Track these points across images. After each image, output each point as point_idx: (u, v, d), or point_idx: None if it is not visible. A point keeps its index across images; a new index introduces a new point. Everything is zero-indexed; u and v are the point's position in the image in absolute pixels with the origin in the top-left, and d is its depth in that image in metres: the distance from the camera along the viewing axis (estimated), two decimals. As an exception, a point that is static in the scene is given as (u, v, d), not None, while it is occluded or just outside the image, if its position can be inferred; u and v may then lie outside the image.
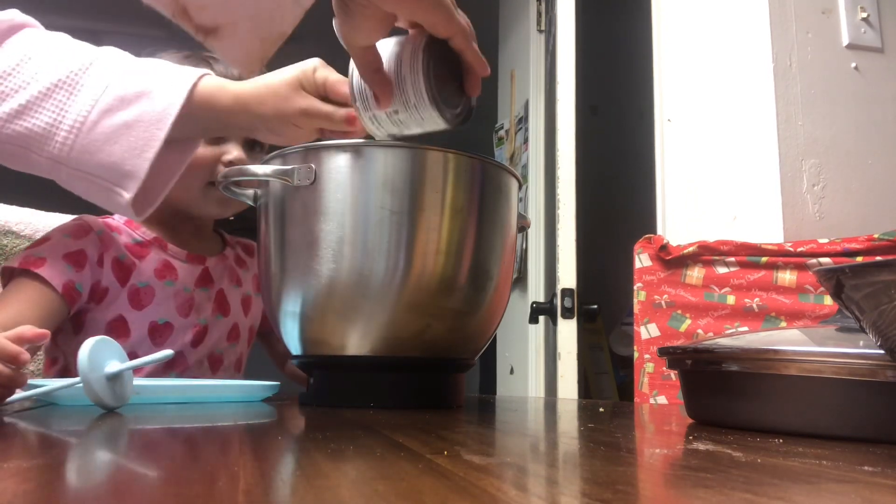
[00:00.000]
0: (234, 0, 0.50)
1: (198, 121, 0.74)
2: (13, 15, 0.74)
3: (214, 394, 0.68)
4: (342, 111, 0.72)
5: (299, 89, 0.72)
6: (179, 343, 0.89)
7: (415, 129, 0.61)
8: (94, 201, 0.78)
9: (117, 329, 0.86)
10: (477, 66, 0.61)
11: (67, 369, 0.88)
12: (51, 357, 0.91)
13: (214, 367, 0.95)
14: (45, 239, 0.84)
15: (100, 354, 0.52)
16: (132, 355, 0.82)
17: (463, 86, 0.62)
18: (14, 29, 0.73)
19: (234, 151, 0.88)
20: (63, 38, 0.76)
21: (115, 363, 0.53)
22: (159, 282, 0.89)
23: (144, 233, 0.91)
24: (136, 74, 0.73)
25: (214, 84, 0.74)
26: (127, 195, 0.71)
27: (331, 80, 0.73)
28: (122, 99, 0.70)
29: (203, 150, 0.86)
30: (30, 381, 0.57)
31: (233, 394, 0.69)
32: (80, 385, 0.51)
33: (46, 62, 0.71)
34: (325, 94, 0.73)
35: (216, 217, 0.96)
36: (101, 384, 0.52)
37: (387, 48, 0.59)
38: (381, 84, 0.58)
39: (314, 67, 0.73)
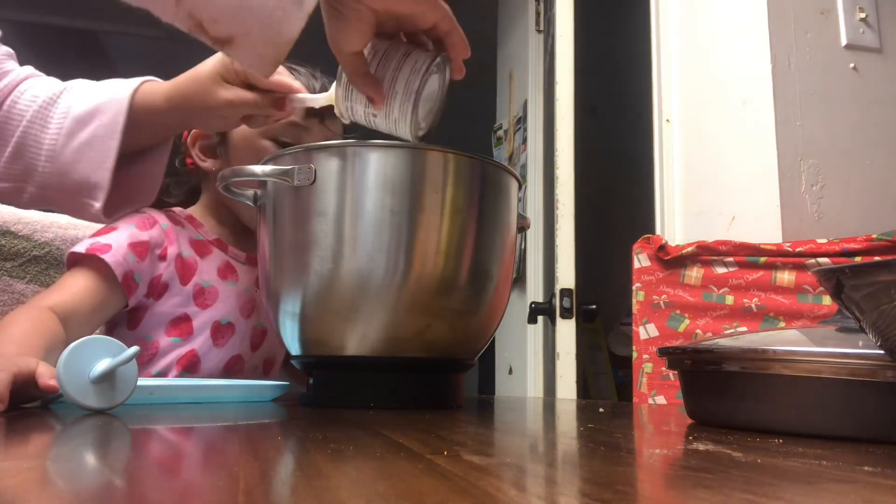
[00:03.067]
0: (243, 11, 0.52)
1: (145, 127, 0.79)
2: (18, 72, 0.83)
3: (226, 394, 0.68)
4: (267, 97, 0.74)
5: (221, 81, 0.75)
6: (240, 345, 0.89)
7: (381, 130, 0.64)
8: (70, 214, 0.87)
9: (181, 326, 0.85)
10: (461, 47, 0.63)
11: None
12: None
13: (267, 368, 0.95)
14: (112, 228, 0.83)
15: (84, 356, 0.51)
16: (193, 355, 0.85)
17: (428, 106, 0.65)
18: (14, 84, 0.81)
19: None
20: (45, 80, 0.84)
21: (103, 362, 0.51)
22: (222, 282, 0.89)
23: (206, 232, 0.91)
24: (91, 94, 0.80)
25: (149, 88, 0.79)
26: (97, 205, 0.79)
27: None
28: (79, 120, 0.78)
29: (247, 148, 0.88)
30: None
31: (244, 394, 0.69)
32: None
33: (26, 104, 0.80)
34: (248, 81, 0.75)
35: None
36: (83, 388, 0.51)
37: (379, 53, 0.61)
38: (374, 89, 0.61)
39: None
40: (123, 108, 0.77)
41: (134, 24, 2.81)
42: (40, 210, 0.94)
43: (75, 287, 0.78)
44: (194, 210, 0.94)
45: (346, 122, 0.66)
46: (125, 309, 0.83)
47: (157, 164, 0.85)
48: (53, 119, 0.79)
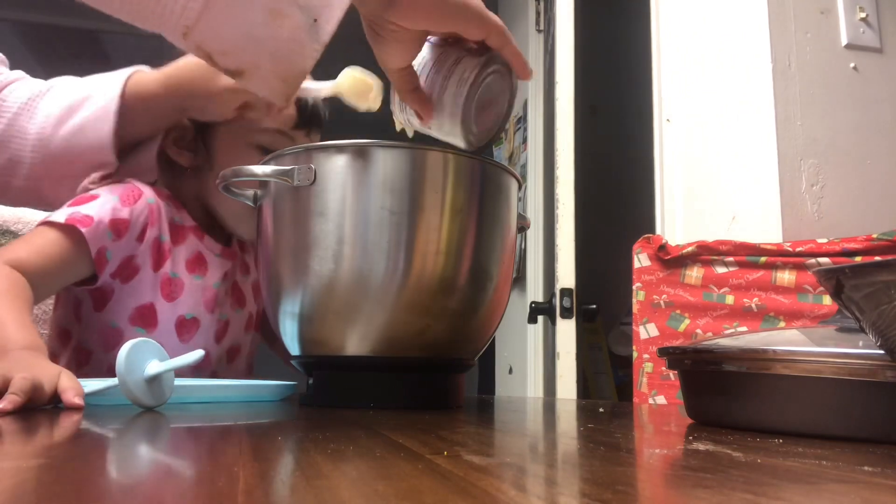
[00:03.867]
0: (252, 43, 0.51)
1: (139, 114, 0.79)
2: (7, 75, 0.84)
3: (236, 394, 0.69)
4: None
5: None
6: (204, 339, 0.89)
7: (442, 139, 0.64)
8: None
9: (145, 317, 0.84)
10: (515, 62, 0.61)
11: (81, 348, 0.85)
12: (62, 327, 0.87)
13: (231, 357, 0.95)
14: (93, 196, 0.80)
15: (139, 356, 0.54)
16: None
17: (491, 111, 0.63)
18: (2, 86, 0.83)
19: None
20: (34, 80, 0.85)
21: (155, 363, 0.54)
22: (189, 275, 0.88)
23: (185, 217, 0.90)
24: (80, 85, 0.80)
25: (143, 76, 0.80)
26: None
27: None
28: (69, 108, 0.79)
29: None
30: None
31: (253, 394, 0.70)
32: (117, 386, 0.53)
33: (12, 101, 0.81)
34: None
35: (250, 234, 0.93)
36: (140, 385, 0.53)
37: (427, 63, 0.60)
38: (421, 104, 0.60)
39: None
40: (116, 94, 0.77)
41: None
42: (35, 208, 0.93)
43: (46, 248, 0.76)
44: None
45: (410, 135, 0.65)
46: (91, 286, 0.81)
47: (150, 155, 0.86)
48: (40, 110, 0.79)
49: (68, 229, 0.77)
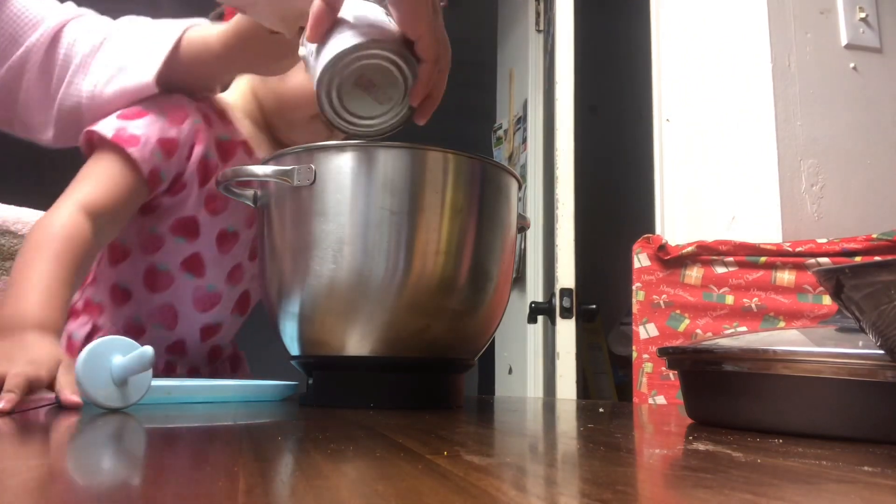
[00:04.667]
0: None
1: (194, 70, 0.80)
2: (66, 12, 0.85)
3: (236, 394, 0.69)
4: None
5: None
6: (241, 253, 0.90)
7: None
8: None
9: (188, 227, 0.85)
10: (420, 87, 0.58)
11: (118, 245, 0.86)
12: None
13: (242, 307, 0.95)
14: (142, 113, 0.80)
15: (103, 356, 0.52)
16: (197, 258, 0.87)
17: (366, 100, 0.59)
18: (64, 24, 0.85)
19: None
20: (93, 28, 0.85)
21: (121, 362, 0.52)
22: None
23: (234, 132, 0.88)
24: (134, 41, 0.81)
25: (201, 33, 0.80)
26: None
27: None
28: (120, 68, 0.79)
29: (309, 84, 0.84)
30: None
31: (253, 394, 0.70)
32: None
33: (73, 53, 0.82)
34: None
35: None
36: (102, 388, 0.52)
37: (359, 12, 0.57)
38: (315, 22, 0.56)
39: None
40: (162, 57, 0.77)
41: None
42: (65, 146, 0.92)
43: (108, 181, 0.77)
44: (226, 99, 0.90)
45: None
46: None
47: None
48: (93, 70, 0.81)
49: (116, 149, 0.77)
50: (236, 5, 0.51)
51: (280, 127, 0.91)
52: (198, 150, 0.83)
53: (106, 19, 0.86)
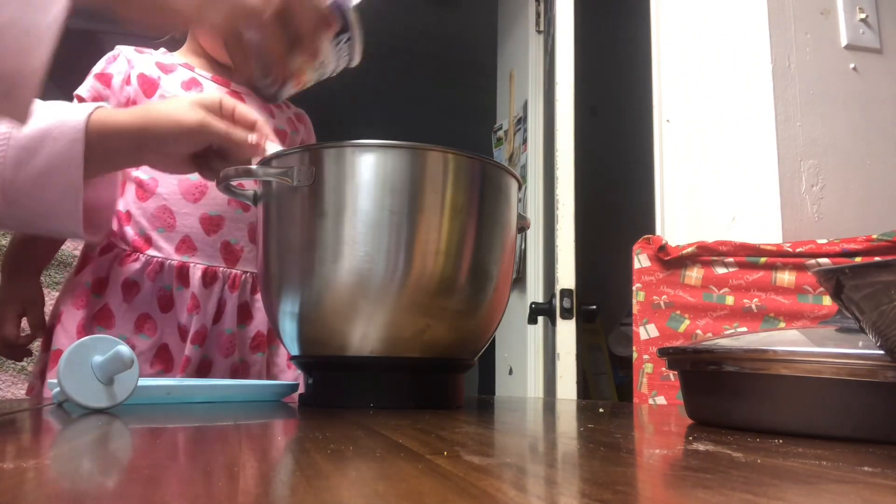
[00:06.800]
0: None
1: (97, 153, 0.70)
2: None
3: (236, 394, 0.69)
4: (245, 133, 0.70)
5: (200, 107, 0.70)
6: None
7: None
8: (54, 237, 0.87)
9: None
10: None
11: None
12: None
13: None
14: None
15: (84, 356, 0.52)
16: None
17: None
18: None
19: None
20: None
21: (102, 361, 0.52)
22: (185, 93, 0.93)
23: (173, 56, 0.98)
24: (32, 120, 0.71)
25: (108, 111, 0.72)
26: (78, 232, 0.71)
27: (240, 109, 0.72)
28: (27, 149, 0.69)
29: None
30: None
31: (253, 394, 0.70)
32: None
33: None
34: (232, 121, 0.71)
35: None
36: (85, 388, 0.51)
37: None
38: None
39: (220, 97, 0.72)
40: (80, 138, 0.68)
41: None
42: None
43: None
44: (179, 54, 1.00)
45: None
46: None
47: (111, 190, 0.80)
48: None
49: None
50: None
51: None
52: (133, 72, 0.93)
53: None
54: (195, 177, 0.87)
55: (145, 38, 1.00)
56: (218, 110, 0.70)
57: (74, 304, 0.87)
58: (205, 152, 0.72)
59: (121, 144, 0.70)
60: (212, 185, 0.89)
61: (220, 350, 0.89)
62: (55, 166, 0.68)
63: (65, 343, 0.86)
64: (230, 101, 0.72)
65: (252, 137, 0.69)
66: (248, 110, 0.72)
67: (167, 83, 0.93)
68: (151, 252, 0.89)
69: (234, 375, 0.91)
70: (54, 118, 0.70)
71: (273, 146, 0.70)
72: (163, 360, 0.88)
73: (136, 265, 0.88)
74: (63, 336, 0.86)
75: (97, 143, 0.69)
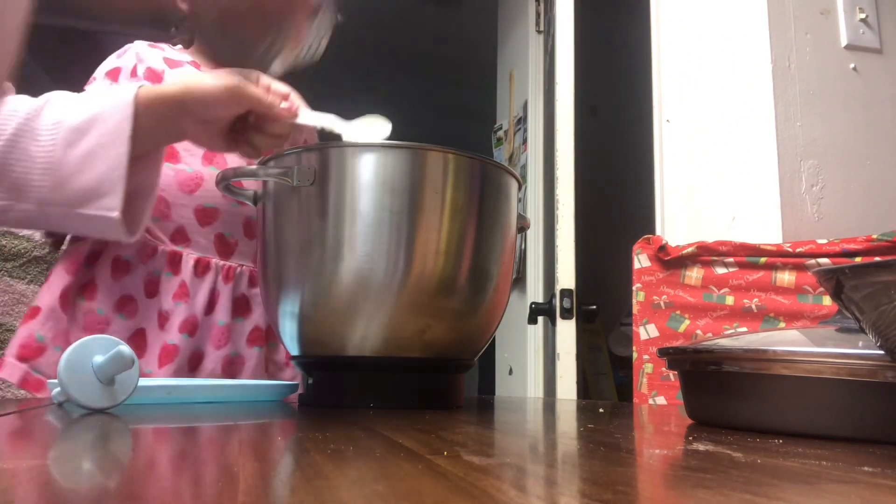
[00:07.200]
0: None
1: (145, 123, 0.75)
2: None
3: (236, 394, 0.69)
4: (280, 98, 0.73)
5: (238, 74, 0.74)
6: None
7: None
8: (92, 234, 0.84)
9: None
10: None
11: None
12: None
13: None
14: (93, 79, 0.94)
15: (85, 356, 0.52)
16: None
17: None
18: None
19: None
20: (19, 96, 0.79)
21: (102, 361, 0.52)
22: None
23: (183, 54, 0.98)
24: (83, 103, 0.77)
25: (152, 86, 0.77)
26: (114, 215, 0.73)
27: (274, 84, 0.74)
28: (77, 130, 0.74)
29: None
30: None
31: (253, 394, 0.70)
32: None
33: (3, 120, 0.75)
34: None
35: None
36: (86, 387, 0.52)
37: None
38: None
39: (257, 74, 0.75)
40: (128, 114, 0.74)
41: (134, 25, 2.81)
42: (37, 230, 0.93)
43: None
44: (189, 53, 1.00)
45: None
46: None
47: (153, 172, 0.82)
48: (42, 130, 0.75)
49: None
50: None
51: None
52: (141, 67, 0.93)
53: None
54: (192, 169, 0.89)
55: (155, 38, 1.00)
56: (255, 82, 0.73)
57: (66, 268, 0.87)
58: (242, 127, 0.75)
59: (165, 112, 0.75)
60: (208, 176, 0.90)
61: (212, 341, 0.89)
62: (103, 144, 0.74)
63: (46, 301, 0.85)
64: (266, 77, 0.75)
65: (286, 103, 0.72)
66: (281, 85, 0.74)
67: (171, 78, 0.93)
68: (146, 236, 0.89)
69: (227, 368, 0.90)
70: (104, 101, 0.76)
71: (306, 113, 0.73)
72: (136, 345, 0.87)
73: (131, 245, 0.88)
74: (47, 294, 0.86)
75: (144, 114, 0.75)
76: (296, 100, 0.74)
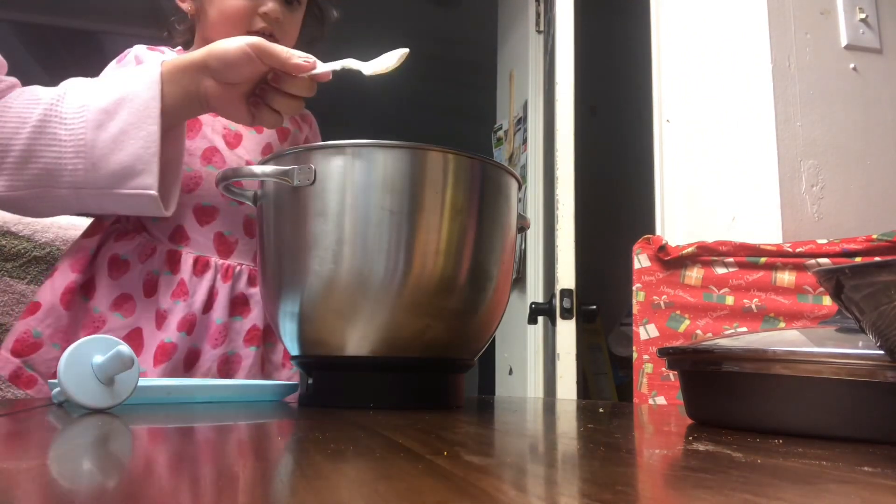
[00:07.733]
0: None
1: (170, 93, 0.77)
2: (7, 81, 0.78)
3: (236, 394, 0.69)
4: (296, 57, 0.73)
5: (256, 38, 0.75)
6: (212, 138, 0.94)
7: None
8: (128, 212, 0.85)
9: None
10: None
11: None
12: None
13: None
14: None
15: (85, 356, 0.52)
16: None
17: None
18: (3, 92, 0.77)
19: (269, 3, 0.92)
20: (39, 87, 0.80)
21: (102, 361, 0.52)
22: None
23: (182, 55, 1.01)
24: (106, 87, 0.78)
25: (175, 57, 0.79)
26: (152, 192, 0.75)
27: (291, 50, 0.75)
28: (106, 111, 0.75)
29: (239, 3, 0.91)
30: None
31: (253, 394, 0.70)
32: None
33: (24, 106, 0.75)
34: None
35: None
36: (85, 387, 0.51)
37: None
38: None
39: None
40: (157, 92, 0.75)
41: (134, 25, 2.81)
42: (72, 214, 0.92)
43: None
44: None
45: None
46: None
47: (179, 146, 0.83)
48: (68, 114, 0.75)
49: None
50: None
51: None
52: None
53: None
54: (190, 169, 0.89)
55: (154, 38, 1.00)
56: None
57: (72, 265, 0.87)
58: (262, 91, 0.77)
59: (189, 81, 0.76)
60: (206, 175, 0.90)
61: (209, 340, 0.89)
62: (134, 123, 0.75)
63: (48, 297, 0.85)
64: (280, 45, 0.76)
65: (303, 60, 0.73)
66: (298, 52, 0.75)
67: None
68: (145, 236, 0.89)
69: (223, 367, 0.90)
70: (129, 81, 0.77)
71: (324, 66, 0.73)
72: (132, 344, 0.87)
73: (130, 244, 0.89)
74: (49, 291, 0.86)
75: (169, 89, 0.76)
76: (311, 57, 0.74)
